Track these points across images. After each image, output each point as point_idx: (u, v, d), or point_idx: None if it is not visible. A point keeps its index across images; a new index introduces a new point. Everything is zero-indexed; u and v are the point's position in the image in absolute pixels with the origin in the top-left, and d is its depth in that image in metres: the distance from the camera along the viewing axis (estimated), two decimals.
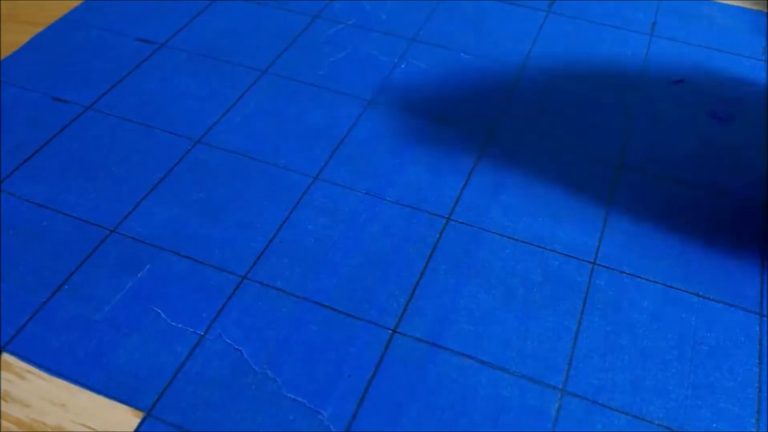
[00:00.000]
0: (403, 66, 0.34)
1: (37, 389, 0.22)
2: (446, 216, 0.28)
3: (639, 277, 0.26)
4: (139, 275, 0.26)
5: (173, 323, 0.24)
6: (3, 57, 0.35)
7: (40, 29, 0.37)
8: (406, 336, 0.24)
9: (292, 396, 0.22)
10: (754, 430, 0.22)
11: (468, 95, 0.33)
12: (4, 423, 0.22)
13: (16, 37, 0.36)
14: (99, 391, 0.22)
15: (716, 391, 0.23)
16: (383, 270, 0.26)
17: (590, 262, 0.26)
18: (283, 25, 0.37)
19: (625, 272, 0.26)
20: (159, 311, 0.24)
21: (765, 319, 0.25)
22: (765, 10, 0.39)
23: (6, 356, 0.23)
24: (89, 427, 0.22)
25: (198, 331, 0.24)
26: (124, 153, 0.30)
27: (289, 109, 0.32)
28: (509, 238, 0.27)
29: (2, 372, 0.23)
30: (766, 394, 0.23)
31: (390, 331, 0.24)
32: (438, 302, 0.25)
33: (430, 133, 0.31)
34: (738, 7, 0.39)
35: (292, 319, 0.24)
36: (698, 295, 0.25)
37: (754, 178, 0.30)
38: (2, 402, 0.22)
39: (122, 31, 0.37)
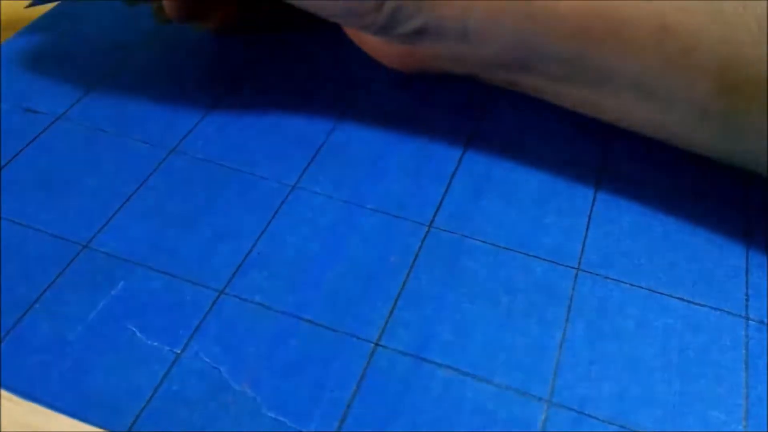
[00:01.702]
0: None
1: (10, 414, 0.22)
2: (428, 224, 0.27)
3: (623, 282, 0.26)
4: (112, 292, 0.25)
5: (149, 341, 0.24)
6: None
7: (7, 36, 0.36)
8: (388, 349, 0.24)
9: (273, 415, 0.22)
10: None
11: (451, 101, 0.33)
12: None
13: None
14: (74, 415, 0.22)
15: (703, 398, 0.23)
16: (365, 281, 0.25)
17: (574, 268, 0.26)
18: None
19: (609, 278, 0.26)
20: (134, 329, 0.24)
21: (750, 322, 0.25)
22: None
23: None
24: None
25: (175, 350, 0.23)
26: (96, 164, 0.29)
27: (265, 116, 0.32)
28: (492, 244, 0.27)
29: None
30: (752, 400, 0.23)
31: (372, 345, 0.24)
32: (421, 313, 0.25)
33: (409, 138, 0.31)
34: None
35: (272, 334, 0.24)
36: (683, 300, 0.25)
37: (737, 181, 0.30)
38: None
39: (94, 37, 0.36)
